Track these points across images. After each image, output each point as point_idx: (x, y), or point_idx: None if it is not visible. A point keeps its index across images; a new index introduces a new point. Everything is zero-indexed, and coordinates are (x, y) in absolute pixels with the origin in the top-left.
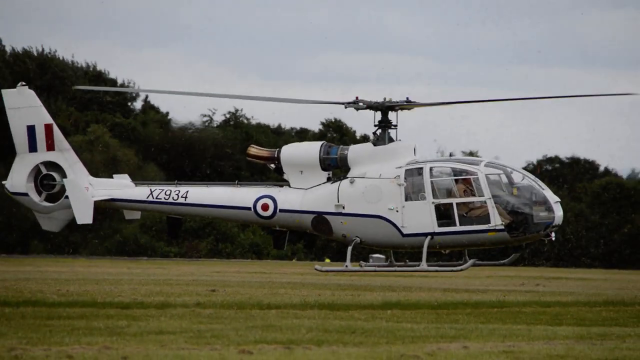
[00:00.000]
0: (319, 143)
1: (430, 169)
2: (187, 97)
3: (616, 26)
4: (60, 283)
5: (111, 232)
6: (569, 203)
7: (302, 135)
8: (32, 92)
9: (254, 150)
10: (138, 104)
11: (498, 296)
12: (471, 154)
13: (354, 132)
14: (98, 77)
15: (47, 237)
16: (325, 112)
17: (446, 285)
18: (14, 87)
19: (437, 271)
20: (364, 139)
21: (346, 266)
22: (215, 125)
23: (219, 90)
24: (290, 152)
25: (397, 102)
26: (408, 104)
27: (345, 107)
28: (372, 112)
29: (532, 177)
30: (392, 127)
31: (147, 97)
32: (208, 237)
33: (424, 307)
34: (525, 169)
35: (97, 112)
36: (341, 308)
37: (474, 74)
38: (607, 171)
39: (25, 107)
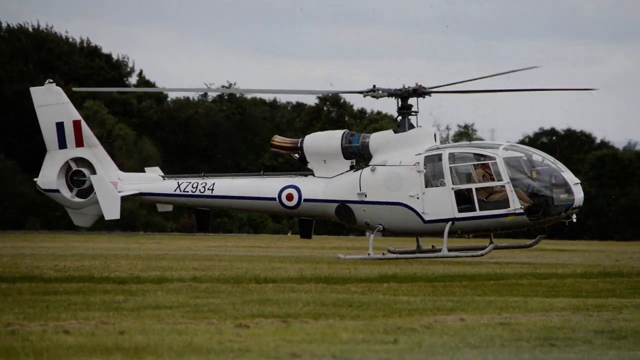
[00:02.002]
0: (341, 132)
1: (450, 154)
2: (182, 73)
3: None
4: (56, 258)
5: None
6: (560, 158)
7: (299, 109)
8: (59, 89)
9: (277, 140)
10: (133, 79)
11: (494, 268)
12: (466, 127)
13: (352, 105)
14: (93, 52)
15: (43, 212)
16: (321, 86)
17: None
18: (9, 62)
19: (458, 257)
20: (361, 112)
21: (369, 254)
22: (210, 100)
23: (212, 65)
24: (312, 141)
25: (417, 89)
26: (425, 90)
27: (364, 96)
28: (388, 97)
29: (552, 159)
30: (413, 113)
31: (141, 72)
32: (210, 218)
33: (421, 280)
34: (534, 146)
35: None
36: (338, 281)
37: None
38: (603, 143)
39: (54, 104)
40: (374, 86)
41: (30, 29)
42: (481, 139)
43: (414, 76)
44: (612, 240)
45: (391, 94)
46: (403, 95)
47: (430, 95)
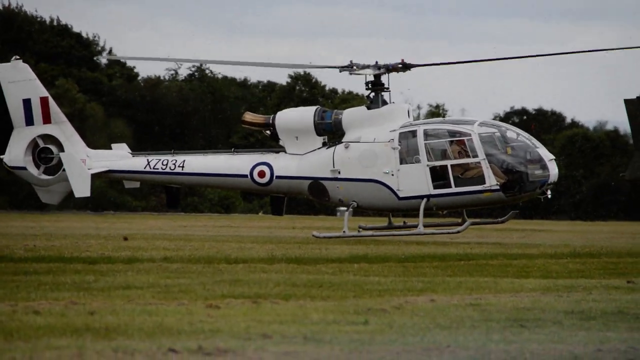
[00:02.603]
0: (313, 108)
1: (424, 131)
2: (153, 52)
3: None
4: (26, 238)
5: None
6: (535, 135)
7: (270, 88)
8: (26, 65)
9: (249, 116)
10: (104, 59)
11: (465, 249)
12: (437, 107)
13: (324, 85)
14: (63, 31)
15: (12, 191)
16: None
17: (414, 237)
18: None
19: (434, 233)
20: (333, 91)
21: (344, 232)
22: (180, 79)
23: (180, 44)
24: (284, 118)
25: (393, 64)
26: (403, 66)
27: (340, 72)
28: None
29: (527, 135)
30: (385, 89)
31: (111, 50)
32: (180, 195)
33: (391, 261)
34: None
35: (64, 66)
36: (309, 262)
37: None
38: (573, 123)
39: (20, 80)
40: (351, 61)
41: (0, 7)
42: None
43: (389, 55)
44: (582, 220)
45: (367, 68)
46: (380, 71)
47: (410, 70)
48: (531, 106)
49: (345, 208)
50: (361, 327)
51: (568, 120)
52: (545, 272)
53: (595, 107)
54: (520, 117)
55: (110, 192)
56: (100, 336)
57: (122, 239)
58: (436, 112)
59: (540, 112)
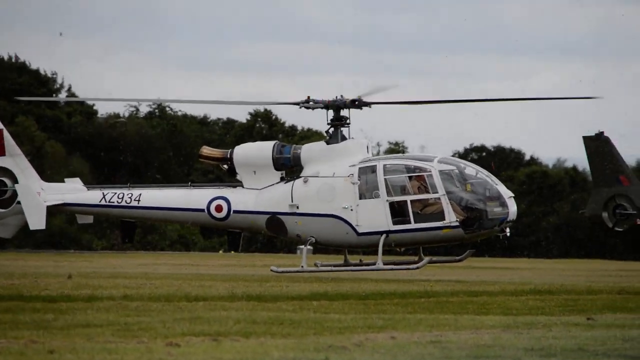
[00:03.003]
0: (272, 143)
1: (384, 166)
2: (113, 89)
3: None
4: None
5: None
6: (495, 173)
7: (229, 126)
8: None
9: (206, 151)
10: (63, 95)
11: (425, 286)
12: (397, 144)
13: (283, 122)
14: (21, 68)
15: None
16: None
17: (374, 275)
18: None
19: (392, 269)
20: (292, 128)
21: (302, 267)
22: (141, 116)
23: (141, 81)
24: (242, 152)
25: (354, 99)
26: (362, 103)
27: (300, 107)
28: (322, 110)
29: (486, 172)
30: (345, 124)
31: (70, 87)
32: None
33: (352, 298)
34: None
35: (22, 104)
36: (269, 299)
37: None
38: (532, 160)
39: None
40: (308, 97)
41: None
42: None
43: (346, 91)
44: (543, 258)
45: (326, 105)
46: (338, 106)
47: (370, 107)
48: (490, 143)
49: (303, 245)
50: None
51: (527, 157)
52: (506, 309)
53: (555, 144)
54: (479, 154)
55: (70, 230)
56: None
57: (67, 277)
58: (396, 149)
59: (499, 149)
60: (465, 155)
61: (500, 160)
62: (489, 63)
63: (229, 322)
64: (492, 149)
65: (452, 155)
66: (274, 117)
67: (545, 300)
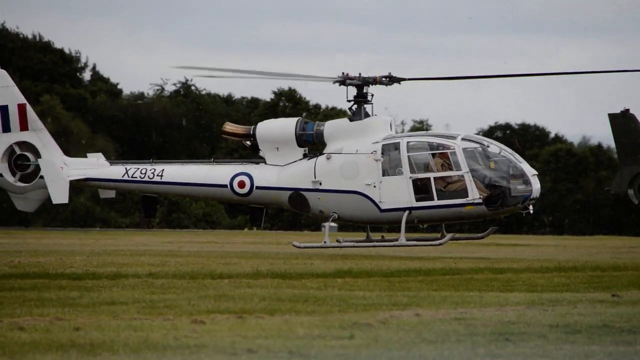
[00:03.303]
0: (295, 119)
1: (407, 143)
2: (137, 68)
3: None
4: (11, 255)
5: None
6: (518, 151)
7: (253, 104)
8: (4, 72)
9: (229, 127)
10: (87, 75)
11: (450, 263)
12: (421, 122)
13: (308, 101)
14: (46, 47)
15: None
16: (277, 81)
17: (398, 252)
18: None
19: (415, 245)
20: (316, 107)
21: (324, 242)
22: (166, 95)
23: (163, 59)
24: (266, 128)
25: (387, 76)
26: (390, 79)
27: (334, 83)
28: (344, 87)
29: (509, 150)
30: (368, 102)
31: (95, 66)
32: (160, 208)
33: (376, 275)
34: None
35: (47, 82)
36: (294, 277)
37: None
38: (557, 138)
39: None
40: (343, 73)
41: None
42: None
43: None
44: (566, 235)
45: (362, 81)
46: (367, 82)
47: (399, 83)
48: (515, 121)
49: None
50: (346, 342)
51: (552, 135)
52: (531, 286)
53: (580, 122)
54: (504, 132)
55: (96, 209)
56: (85, 352)
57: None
58: (420, 127)
59: (523, 127)
60: (489, 133)
61: (525, 138)
62: (513, 41)
63: (254, 300)
64: (517, 127)
65: (477, 134)
66: (298, 95)
67: (571, 277)
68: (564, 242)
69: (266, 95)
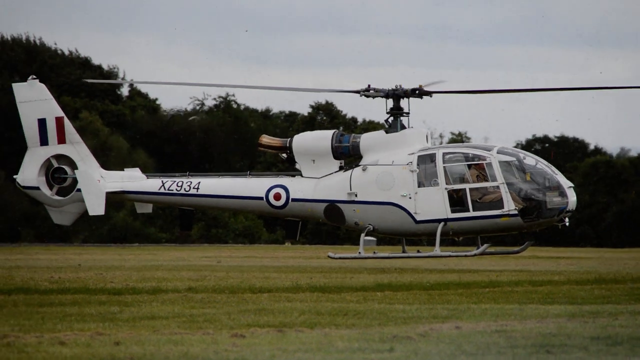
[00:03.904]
0: (331, 132)
1: (443, 154)
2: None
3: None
4: (52, 270)
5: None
6: (554, 162)
7: (291, 118)
8: (42, 85)
9: (265, 139)
10: (126, 91)
11: (489, 276)
12: (459, 135)
13: (345, 115)
14: (84, 64)
15: (37, 224)
16: (314, 95)
17: (437, 265)
18: (1, 73)
19: (450, 256)
20: (353, 120)
21: (359, 253)
22: (205, 110)
23: (199, 74)
24: (302, 141)
25: (415, 88)
26: (423, 92)
27: (361, 95)
28: (381, 99)
29: (545, 162)
30: (404, 114)
31: (132, 82)
32: (199, 223)
33: (416, 288)
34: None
35: (86, 99)
36: (333, 290)
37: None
38: (596, 150)
39: (36, 100)
40: (369, 85)
41: (24, 41)
42: None
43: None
44: (606, 247)
45: (386, 93)
46: (398, 95)
47: (431, 96)
48: (553, 133)
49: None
50: (387, 355)
51: (591, 147)
52: (571, 298)
53: (618, 134)
54: (542, 145)
55: (135, 224)
56: None
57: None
58: (458, 140)
59: (562, 140)
60: (528, 146)
61: (564, 151)
62: (551, 54)
63: (293, 313)
64: (555, 139)
65: (515, 146)
66: (334, 109)
67: (611, 289)
68: (604, 254)
69: (304, 110)
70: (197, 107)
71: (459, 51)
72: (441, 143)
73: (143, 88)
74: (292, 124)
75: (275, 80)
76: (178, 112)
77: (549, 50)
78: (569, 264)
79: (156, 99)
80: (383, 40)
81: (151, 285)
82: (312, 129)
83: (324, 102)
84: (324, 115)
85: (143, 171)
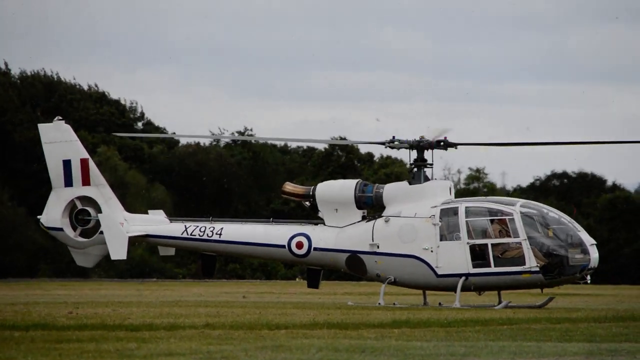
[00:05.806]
0: (354, 181)
1: (466, 208)
2: (192, 118)
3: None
4: (69, 306)
5: None
6: (577, 219)
7: (309, 154)
8: (68, 126)
9: (289, 187)
10: (140, 126)
11: (507, 313)
12: (478, 171)
13: (359, 149)
14: (102, 98)
15: (55, 260)
16: (331, 131)
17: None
18: (21, 109)
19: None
20: (370, 156)
21: (379, 304)
22: (222, 145)
23: (217, 110)
24: (325, 190)
25: (437, 141)
26: (448, 144)
27: (385, 147)
28: (396, 150)
29: (568, 218)
30: (428, 165)
31: (143, 115)
32: (216, 263)
33: (434, 325)
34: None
35: (104, 133)
36: (350, 327)
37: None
38: (615, 186)
39: (61, 141)
40: (393, 137)
41: (42, 75)
42: (493, 183)
43: (423, 120)
44: (624, 284)
45: (411, 145)
46: (423, 146)
47: (455, 148)
48: (571, 169)
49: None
50: None
51: (609, 183)
52: (589, 336)
53: (637, 170)
54: (561, 181)
55: (152, 259)
56: None
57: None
58: (476, 175)
59: (580, 175)
60: (546, 181)
61: (582, 186)
62: (568, 89)
63: (311, 350)
64: (574, 175)
65: (533, 182)
66: (351, 145)
67: (630, 327)
68: (622, 291)
69: (321, 145)
70: (213, 142)
71: (476, 86)
72: (459, 179)
73: (159, 123)
74: (309, 159)
75: (292, 116)
76: (197, 146)
77: (565, 86)
78: (586, 301)
79: (174, 133)
80: (399, 76)
81: (168, 322)
82: (329, 164)
83: (339, 137)
84: (340, 151)
85: (161, 207)
